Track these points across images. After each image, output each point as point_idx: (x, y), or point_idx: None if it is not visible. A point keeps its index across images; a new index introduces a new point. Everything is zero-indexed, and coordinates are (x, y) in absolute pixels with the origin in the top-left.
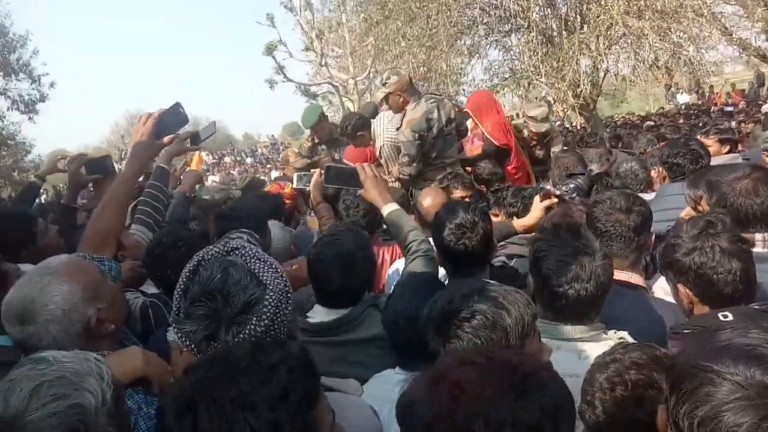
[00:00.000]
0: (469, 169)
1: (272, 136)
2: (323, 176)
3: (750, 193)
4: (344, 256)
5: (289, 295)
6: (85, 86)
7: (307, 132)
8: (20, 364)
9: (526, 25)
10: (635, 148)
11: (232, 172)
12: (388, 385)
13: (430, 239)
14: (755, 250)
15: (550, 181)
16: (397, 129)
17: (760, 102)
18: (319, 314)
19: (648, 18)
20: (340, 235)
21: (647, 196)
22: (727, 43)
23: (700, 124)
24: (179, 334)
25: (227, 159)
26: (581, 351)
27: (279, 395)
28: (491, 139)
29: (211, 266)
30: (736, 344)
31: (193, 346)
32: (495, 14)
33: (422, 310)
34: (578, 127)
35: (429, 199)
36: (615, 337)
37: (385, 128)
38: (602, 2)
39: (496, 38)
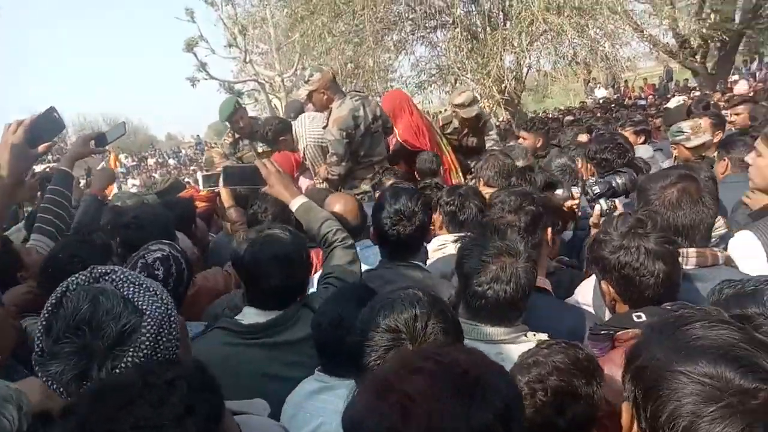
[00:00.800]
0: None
1: (197, 136)
2: (222, 178)
3: (674, 205)
4: (283, 255)
5: (171, 318)
6: None
7: (221, 144)
8: None
9: (451, 21)
10: (562, 141)
11: (154, 174)
12: (303, 391)
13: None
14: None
15: (481, 181)
16: (324, 128)
17: (669, 96)
18: (249, 316)
19: (567, 15)
20: (277, 234)
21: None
22: (639, 39)
23: (618, 117)
24: (44, 378)
25: (150, 161)
26: (500, 353)
27: (183, 412)
28: (401, 142)
29: (77, 297)
30: (710, 344)
31: (61, 389)
32: (420, 10)
33: (348, 315)
34: (504, 122)
35: (338, 206)
36: (535, 339)
37: (308, 129)
38: None
39: (422, 34)
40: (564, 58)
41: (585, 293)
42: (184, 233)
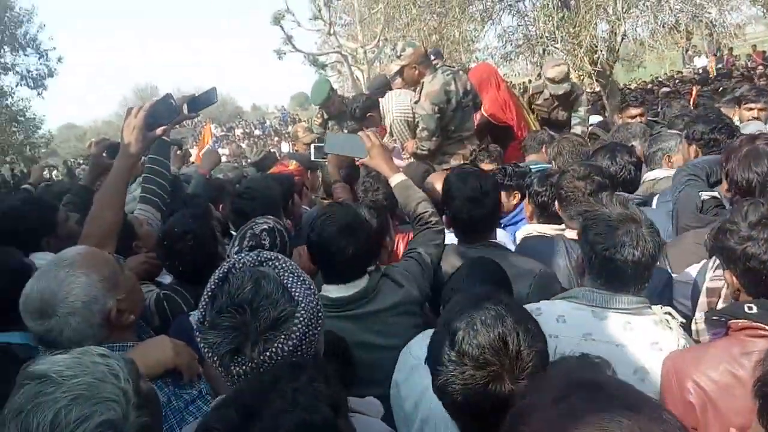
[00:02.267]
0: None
1: (281, 107)
2: (326, 143)
3: None
4: (345, 227)
5: (320, 313)
6: (93, 61)
7: (311, 125)
8: (19, 386)
9: None
10: (667, 115)
11: (241, 144)
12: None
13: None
14: None
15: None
16: (416, 102)
17: None
18: (332, 292)
19: None
20: (330, 211)
21: None
22: (751, 3)
23: (719, 89)
24: (202, 344)
25: (237, 131)
26: (628, 322)
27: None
28: (488, 117)
29: (242, 276)
30: None
31: (215, 358)
32: None
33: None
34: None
35: (439, 184)
36: (660, 311)
37: (394, 104)
38: None
39: (509, 3)
40: (664, 26)
41: (691, 270)
42: (284, 206)
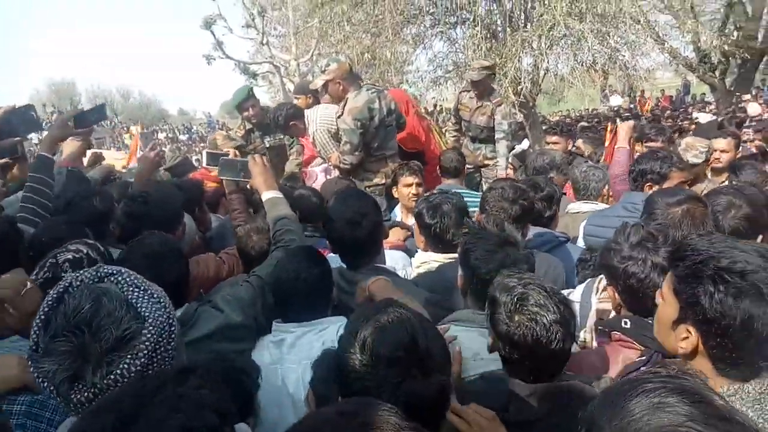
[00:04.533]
0: None
1: (208, 113)
2: (218, 169)
3: (675, 225)
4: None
5: (172, 327)
6: (5, 49)
7: (234, 134)
8: None
9: (471, 19)
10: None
11: (164, 149)
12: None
13: None
14: None
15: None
16: (338, 117)
17: (683, 108)
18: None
19: (588, 21)
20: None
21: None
22: (660, 51)
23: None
24: (36, 374)
25: (161, 135)
26: None
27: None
28: (399, 144)
29: (80, 295)
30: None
31: (52, 387)
32: (441, 5)
33: (302, 270)
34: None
35: None
36: None
37: (319, 115)
38: (546, 2)
39: (441, 29)
40: (583, 64)
41: (579, 290)
42: (190, 214)
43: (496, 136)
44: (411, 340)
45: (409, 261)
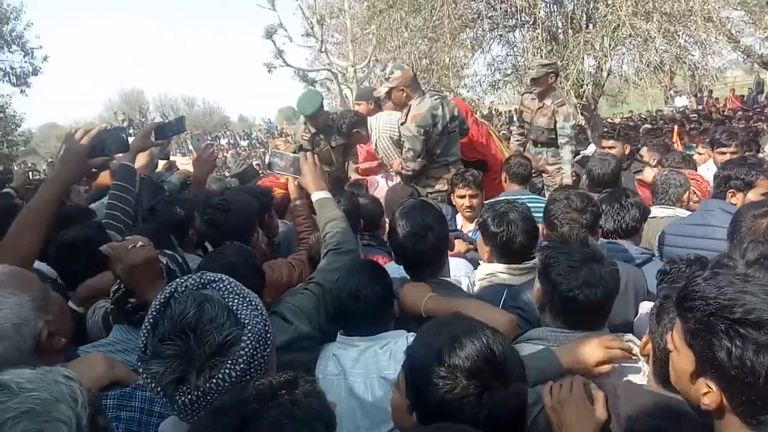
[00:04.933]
0: None
1: (268, 119)
2: (268, 165)
3: (762, 239)
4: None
5: (268, 335)
6: (79, 62)
7: (302, 118)
8: None
9: (531, 22)
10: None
11: (225, 154)
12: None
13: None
14: None
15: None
16: (402, 124)
17: (758, 108)
18: None
19: (656, 20)
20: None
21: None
22: (732, 49)
23: (701, 129)
24: (144, 375)
25: (222, 141)
26: None
27: None
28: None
29: (185, 300)
30: None
31: (159, 389)
32: (501, 8)
33: (362, 288)
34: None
35: None
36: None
37: (381, 122)
38: (610, 2)
39: (500, 33)
40: (649, 65)
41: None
42: (260, 220)
43: (560, 140)
44: (488, 350)
45: (472, 269)
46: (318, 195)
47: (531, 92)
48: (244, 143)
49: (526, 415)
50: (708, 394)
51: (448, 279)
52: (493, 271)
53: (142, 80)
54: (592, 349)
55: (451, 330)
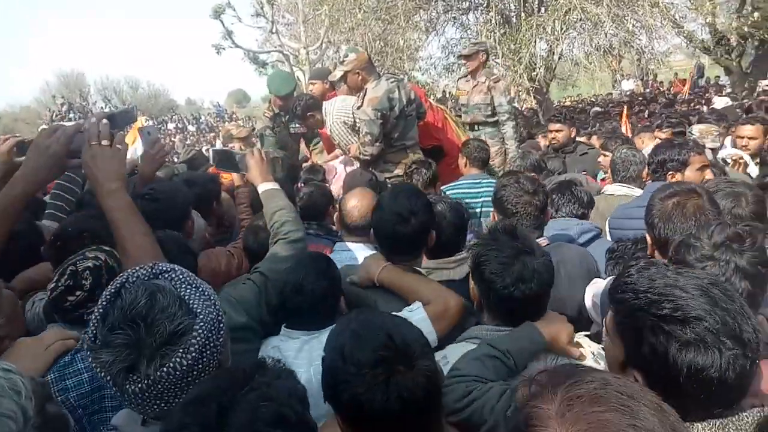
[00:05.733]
0: None
1: (217, 103)
2: (214, 161)
3: (667, 219)
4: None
5: (221, 324)
6: (13, 42)
7: (254, 100)
8: None
9: (485, 5)
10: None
11: (173, 139)
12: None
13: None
14: None
15: None
16: (358, 108)
17: (697, 91)
18: None
19: (605, 5)
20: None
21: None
22: (676, 33)
23: (647, 113)
24: (94, 364)
25: (170, 125)
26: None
27: None
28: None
29: (136, 290)
30: None
31: (109, 377)
32: None
33: (307, 282)
34: (527, 110)
35: (354, 200)
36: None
37: (336, 107)
38: None
39: (454, 15)
40: (599, 49)
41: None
42: (202, 211)
43: (500, 117)
44: (387, 338)
45: None
46: (264, 186)
47: (465, 76)
48: (192, 128)
49: (440, 391)
50: None
51: (420, 270)
52: (427, 267)
53: (82, 61)
54: (562, 326)
55: (352, 328)
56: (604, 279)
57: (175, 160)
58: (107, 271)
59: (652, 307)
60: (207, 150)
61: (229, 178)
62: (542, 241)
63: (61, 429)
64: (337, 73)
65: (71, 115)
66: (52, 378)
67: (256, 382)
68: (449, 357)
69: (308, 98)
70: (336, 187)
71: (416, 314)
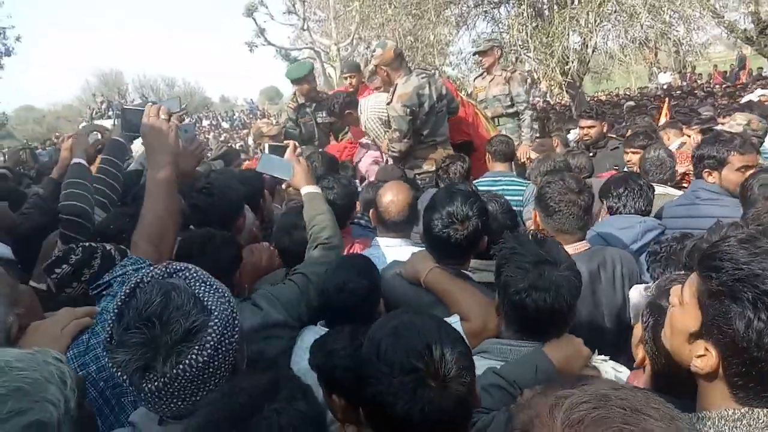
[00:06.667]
0: None
1: (250, 100)
2: (259, 164)
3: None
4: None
5: (236, 321)
6: (55, 43)
7: (286, 97)
8: None
9: None
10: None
11: (207, 136)
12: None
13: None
14: None
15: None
16: (388, 104)
17: (738, 82)
18: None
19: None
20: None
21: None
22: (716, 24)
23: (684, 107)
24: (110, 364)
25: (204, 122)
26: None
27: None
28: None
29: (151, 289)
30: None
31: (125, 377)
32: None
33: (350, 280)
34: (560, 105)
35: (390, 195)
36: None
37: (370, 104)
38: None
39: (485, 9)
40: (634, 41)
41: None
42: (251, 207)
43: (518, 107)
44: (425, 347)
45: None
46: (307, 189)
47: (481, 74)
48: (225, 125)
49: (469, 415)
50: (704, 357)
51: (468, 273)
52: (472, 266)
53: (120, 61)
54: (578, 349)
55: (395, 324)
56: (648, 283)
57: (208, 155)
58: (103, 256)
59: (756, 280)
60: (240, 145)
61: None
62: (581, 246)
63: (91, 427)
64: (370, 68)
65: (110, 113)
66: (71, 355)
67: (268, 410)
68: None
69: (345, 96)
70: (365, 164)
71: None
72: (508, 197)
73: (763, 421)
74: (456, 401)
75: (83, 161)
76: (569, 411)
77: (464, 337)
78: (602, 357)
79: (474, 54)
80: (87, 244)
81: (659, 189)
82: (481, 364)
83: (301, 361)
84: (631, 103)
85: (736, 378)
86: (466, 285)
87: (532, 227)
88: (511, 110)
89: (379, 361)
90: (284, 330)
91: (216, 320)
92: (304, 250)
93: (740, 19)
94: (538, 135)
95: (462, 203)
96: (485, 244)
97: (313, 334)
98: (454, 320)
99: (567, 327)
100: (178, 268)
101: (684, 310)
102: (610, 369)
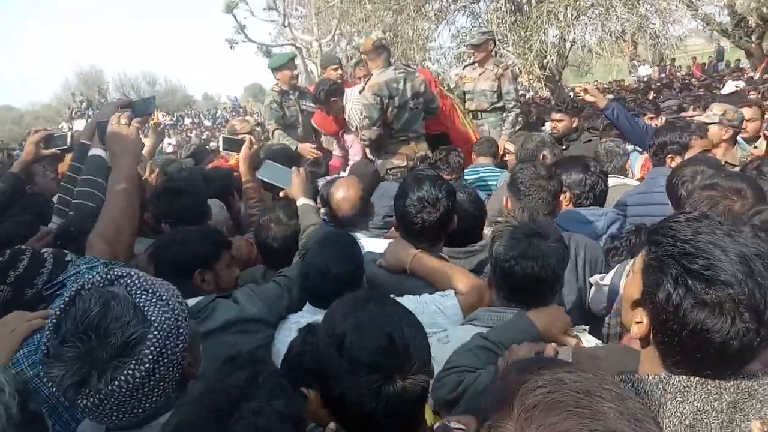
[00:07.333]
0: None
1: (234, 97)
2: (259, 170)
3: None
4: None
5: (180, 330)
6: (34, 42)
7: (270, 90)
8: None
9: None
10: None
11: (189, 134)
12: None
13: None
14: None
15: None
16: (360, 92)
17: (715, 75)
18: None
19: None
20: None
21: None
22: (692, 17)
23: (661, 98)
24: (46, 378)
25: (187, 120)
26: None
27: None
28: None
29: (90, 298)
30: None
31: (60, 393)
32: None
33: (332, 266)
34: (540, 98)
35: (341, 192)
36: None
37: (356, 95)
38: None
39: (464, 4)
40: (611, 35)
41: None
42: (224, 202)
43: (507, 105)
44: (389, 341)
45: None
46: (302, 201)
47: (471, 64)
48: (208, 123)
49: (426, 397)
50: (639, 324)
51: (445, 256)
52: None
53: (100, 59)
54: (559, 315)
55: (357, 318)
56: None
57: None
58: (32, 257)
59: (685, 258)
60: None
61: (235, 160)
62: None
63: (40, 428)
64: (351, 63)
65: (90, 112)
66: (22, 355)
67: (245, 410)
68: (451, 337)
69: (331, 84)
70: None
71: (448, 300)
72: (490, 183)
73: (677, 387)
74: (419, 393)
75: (103, 153)
76: (524, 396)
77: (458, 307)
78: (583, 327)
79: (468, 47)
80: (17, 246)
81: (614, 179)
82: (469, 330)
83: (284, 339)
84: (610, 96)
85: (662, 346)
86: (450, 264)
87: (505, 211)
88: (496, 106)
89: (342, 359)
90: (259, 325)
91: (155, 332)
92: (284, 244)
93: (716, 12)
94: (519, 128)
95: (431, 187)
96: (455, 225)
97: (292, 323)
98: (448, 293)
99: (554, 296)
100: (120, 274)
101: (632, 279)
102: (591, 339)
